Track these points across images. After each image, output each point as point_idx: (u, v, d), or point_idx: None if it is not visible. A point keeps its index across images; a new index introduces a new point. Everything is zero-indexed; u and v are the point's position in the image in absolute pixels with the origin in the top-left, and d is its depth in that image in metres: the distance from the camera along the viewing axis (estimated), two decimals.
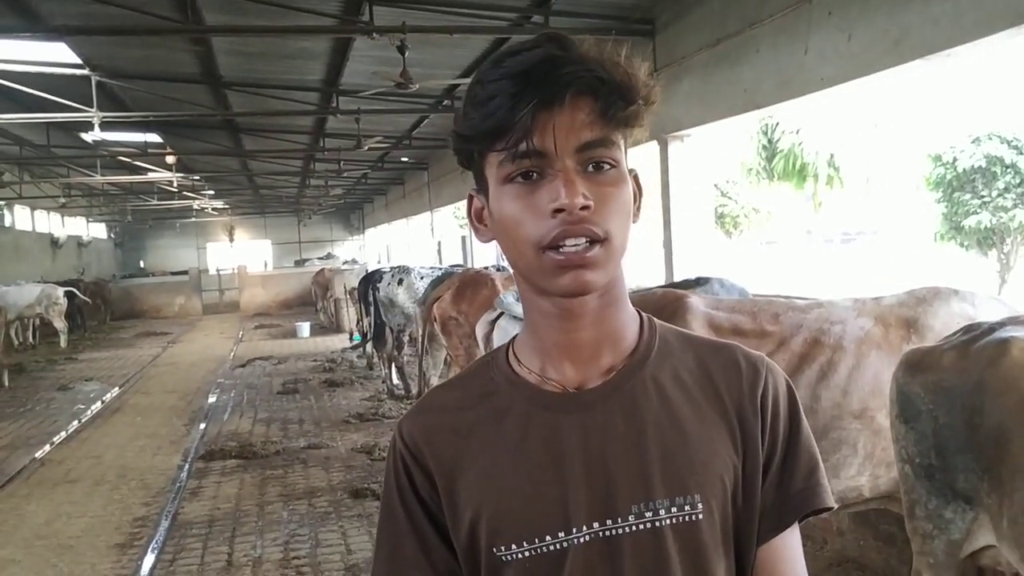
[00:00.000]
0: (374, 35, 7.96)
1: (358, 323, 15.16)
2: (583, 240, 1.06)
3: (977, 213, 15.34)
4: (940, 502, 2.62)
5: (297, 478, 7.62)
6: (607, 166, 1.09)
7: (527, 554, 1.11)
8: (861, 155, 16.96)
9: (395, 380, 11.44)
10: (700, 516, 1.12)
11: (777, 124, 16.31)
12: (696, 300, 3.82)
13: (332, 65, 11.15)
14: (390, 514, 1.20)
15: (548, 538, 1.11)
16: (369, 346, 13.18)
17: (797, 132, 16.76)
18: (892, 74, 5.75)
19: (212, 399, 12.02)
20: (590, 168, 1.07)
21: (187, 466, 8.23)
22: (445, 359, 8.70)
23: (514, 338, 1.25)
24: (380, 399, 11.05)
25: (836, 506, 1.26)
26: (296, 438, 9.15)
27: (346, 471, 7.70)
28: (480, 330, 5.37)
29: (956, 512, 2.58)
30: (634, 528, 1.11)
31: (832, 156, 16.74)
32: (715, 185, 19.45)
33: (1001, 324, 2.67)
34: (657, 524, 1.11)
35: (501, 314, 5.24)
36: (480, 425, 1.18)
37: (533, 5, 8.26)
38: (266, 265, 37.68)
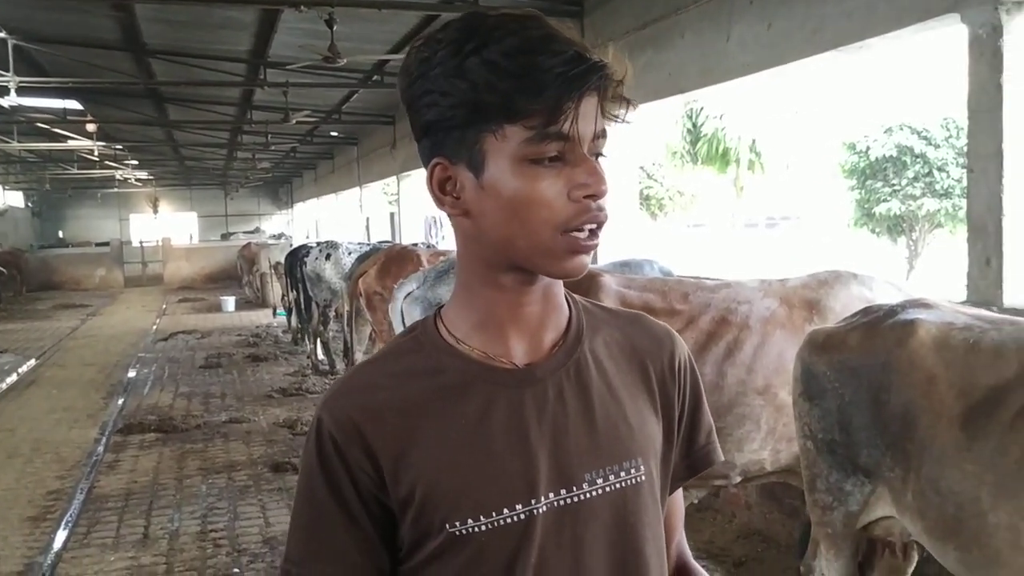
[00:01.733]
0: (301, 7, 7.89)
1: (283, 298, 15.05)
2: (595, 225, 1.11)
3: (888, 201, 15.82)
4: (840, 476, 2.75)
5: (217, 452, 7.59)
6: (601, 155, 1.14)
7: (486, 527, 1.12)
8: (782, 141, 17.35)
9: (320, 355, 11.41)
10: (643, 478, 1.21)
11: (702, 109, 16.58)
12: (608, 278, 3.93)
13: (260, 36, 10.99)
14: (311, 499, 1.17)
15: (506, 511, 1.13)
16: (294, 321, 13.12)
17: (720, 117, 17.06)
18: (809, 63, 5.93)
19: (132, 373, 11.85)
20: (593, 156, 1.11)
21: (104, 440, 8.14)
22: (370, 335, 8.71)
23: (437, 314, 1.24)
24: (304, 374, 11.03)
25: (724, 459, 1.38)
26: (218, 412, 9.10)
27: (267, 445, 7.70)
28: (393, 310, 5.38)
29: (855, 485, 2.71)
30: (589, 495, 1.16)
31: (754, 141, 17.09)
32: (641, 167, 19.70)
33: (902, 306, 2.79)
34: (608, 489, 1.18)
35: (408, 295, 5.23)
36: (429, 402, 1.16)
37: None
38: (191, 238, 36.97)
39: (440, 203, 1.16)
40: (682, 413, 1.30)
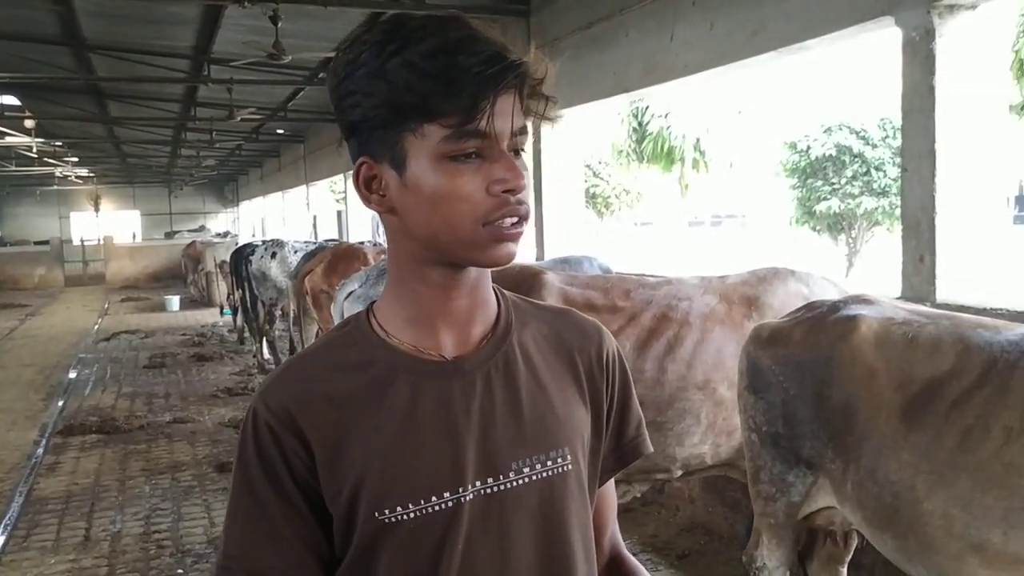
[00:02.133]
0: (245, 3, 7.83)
1: (229, 296, 14.89)
2: (517, 217, 1.14)
3: (828, 199, 16.14)
4: (783, 467, 2.81)
5: (161, 453, 7.50)
6: (521, 151, 1.17)
7: (414, 515, 1.15)
8: (726, 140, 17.60)
9: (266, 354, 11.31)
10: (569, 467, 1.24)
11: (647, 107, 16.75)
12: (551, 276, 3.97)
13: (203, 32, 10.87)
14: (248, 489, 1.17)
15: (434, 498, 1.16)
16: (240, 320, 12.99)
17: (665, 116, 17.25)
18: (751, 63, 6.03)
19: (73, 374, 11.63)
20: (512, 152, 1.14)
21: (44, 441, 7.99)
22: (316, 333, 8.66)
23: (369, 309, 1.27)
24: (250, 373, 10.91)
25: (652, 451, 1.42)
26: (161, 412, 8.98)
27: (212, 445, 7.62)
28: (335, 311, 5.37)
29: (798, 476, 2.78)
30: (515, 483, 1.20)
31: (698, 140, 17.31)
32: (587, 166, 19.83)
33: (844, 302, 2.87)
34: (535, 478, 1.21)
35: (350, 294, 5.24)
36: (361, 394, 1.19)
37: None
38: (134, 236, 36.37)
39: (367, 201, 1.19)
40: (611, 406, 1.34)
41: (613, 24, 7.13)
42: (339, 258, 7.00)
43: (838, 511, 2.72)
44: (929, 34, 4.29)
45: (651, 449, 1.41)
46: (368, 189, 1.18)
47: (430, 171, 1.12)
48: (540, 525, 1.22)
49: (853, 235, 16.63)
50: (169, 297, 19.89)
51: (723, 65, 6.12)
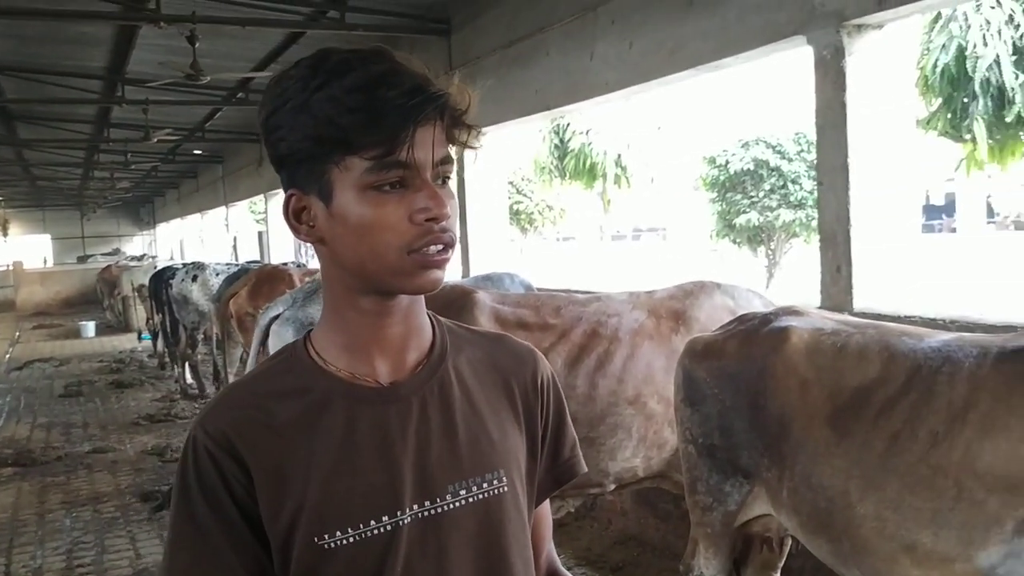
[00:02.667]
0: (162, 24, 7.71)
1: (147, 321, 14.56)
2: (442, 245, 1.17)
3: (747, 212, 16.54)
4: (720, 478, 2.86)
5: (81, 484, 7.28)
6: (448, 179, 1.20)
7: (352, 540, 1.17)
8: (646, 156, 17.92)
9: (188, 379, 11.09)
10: (505, 489, 1.27)
11: (568, 124, 16.98)
12: (483, 295, 3.99)
13: (117, 52, 10.64)
14: (190, 515, 1.17)
15: (372, 522, 1.18)
16: (160, 345, 12.71)
17: (587, 133, 17.47)
18: (669, 81, 6.15)
19: None
20: (438, 181, 1.17)
21: None
22: (241, 356, 8.54)
23: (307, 337, 1.29)
24: (172, 399, 10.67)
25: (586, 471, 1.45)
26: (80, 443, 8.72)
27: (135, 474, 7.43)
28: (257, 335, 5.29)
29: (734, 486, 2.83)
30: (451, 506, 1.22)
31: (619, 156, 17.58)
32: (510, 183, 19.95)
33: (775, 314, 2.94)
34: (471, 500, 1.24)
35: (274, 319, 5.16)
36: (298, 420, 1.20)
37: (329, 0, 8.24)
38: (45, 261, 35.31)
39: (296, 232, 1.22)
40: (546, 428, 1.37)
41: (534, 43, 7.20)
42: (264, 280, 6.91)
43: (774, 518, 2.79)
44: (839, 52, 4.43)
45: (585, 469, 1.44)
46: (298, 220, 1.21)
47: (355, 202, 1.15)
48: (478, 547, 1.24)
49: (772, 247, 17.06)
50: (84, 323, 19.35)
51: (643, 83, 6.23)
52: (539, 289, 5.78)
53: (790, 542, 3.03)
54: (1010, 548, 2.14)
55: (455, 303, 3.82)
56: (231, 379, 8.86)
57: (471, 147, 1.22)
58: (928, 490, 2.25)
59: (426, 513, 1.21)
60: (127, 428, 9.29)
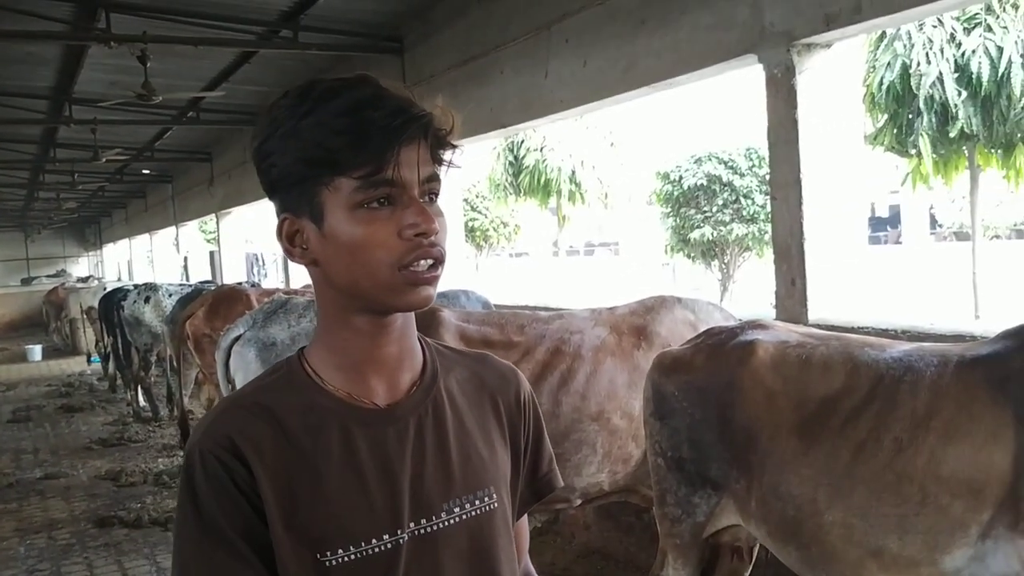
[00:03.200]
0: (112, 44, 7.63)
1: (97, 344, 14.33)
2: (431, 260, 1.20)
3: (701, 227, 16.78)
4: (689, 490, 2.90)
5: (34, 511, 7.13)
6: (436, 197, 1.24)
7: (354, 557, 1.20)
8: (600, 172, 18.07)
9: (142, 402, 10.93)
10: (495, 505, 1.32)
11: (522, 142, 17.07)
12: (448, 313, 4.02)
13: (64, 72, 10.48)
14: (204, 525, 1.17)
15: (374, 540, 1.21)
16: (111, 367, 12.51)
17: (541, 150, 17.61)
18: (623, 99, 6.24)
19: None
20: (425, 198, 1.21)
21: None
22: (196, 378, 8.44)
23: (301, 354, 1.31)
24: (125, 422, 10.50)
25: (563, 484, 1.51)
26: (31, 469, 8.55)
27: (90, 500, 7.29)
28: (220, 357, 5.25)
29: (702, 498, 2.88)
30: (446, 523, 1.26)
31: (574, 172, 17.72)
32: (465, 200, 19.99)
33: (742, 328, 3.00)
34: (464, 517, 1.28)
35: (237, 338, 5.13)
36: (303, 435, 1.22)
37: (282, 19, 8.21)
38: None
39: (290, 254, 1.26)
40: (527, 444, 1.42)
41: (489, 61, 7.25)
42: (221, 301, 6.85)
43: (743, 528, 2.84)
44: (790, 71, 4.54)
45: (562, 483, 1.50)
46: (291, 243, 1.25)
47: (345, 221, 1.18)
48: (471, 562, 1.28)
49: (726, 261, 17.31)
50: (30, 346, 18.96)
51: (597, 100, 6.30)
52: (496, 305, 5.82)
53: (757, 551, 3.09)
54: (974, 551, 2.21)
55: (420, 321, 3.79)
56: (185, 401, 8.76)
57: (454, 166, 1.25)
58: (894, 496, 2.32)
59: (422, 531, 1.25)
60: (79, 453, 9.13)
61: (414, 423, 1.27)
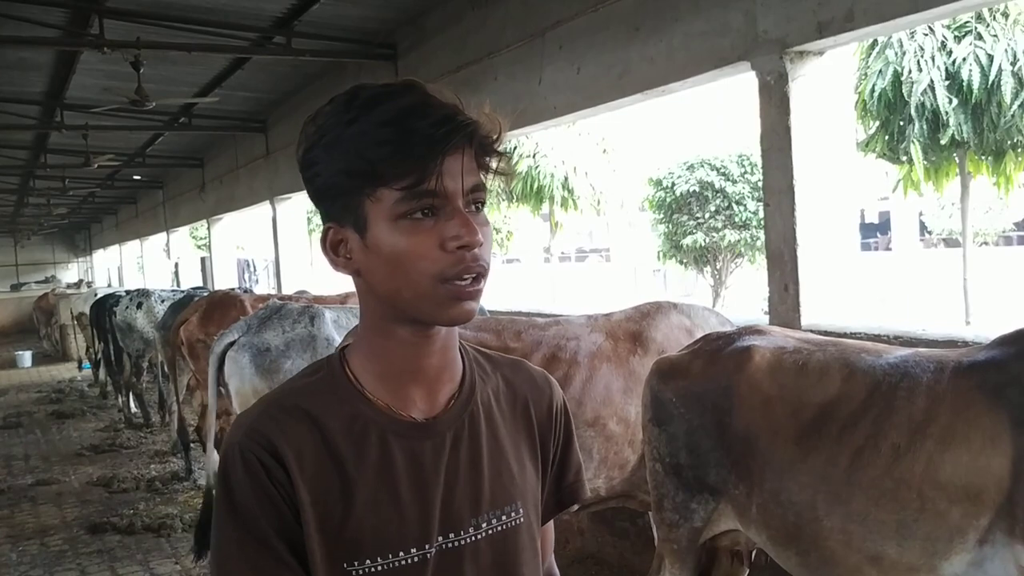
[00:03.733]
0: (105, 49, 7.62)
1: (88, 350, 14.29)
2: (475, 274, 1.19)
3: (693, 233, 16.83)
4: (687, 496, 2.91)
5: (26, 517, 7.12)
6: (481, 207, 1.22)
7: (382, 568, 1.20)
8: (593, 178, 18.08)
9: (133, 408, 10.90)
10: (521, 520, 1.31)
11: (515, 148, 17.06)
12: None
13: (56, 77, 10.46)
14: (242, 524, 1.17)
15: (402, 553, 1.21)
16: (103, 373, 12.48)
17: (534, 156, 17.62)
18: (617, 105, 6.26)
19: None
20: (471, 208, 1.19)
21: None
22: (188, 383, 8.42)
23: (342, 354, 1.30)
24: (117, 429, 10.49)
25: (588, 495, 1.52)
26: (22, 475, 8.53)
27: (82, 506, 7.28)
28: (212, 362, 5.25)
29: (700, 503, 2.88)
30: (472, 539, 1.26)
31: (566, 179, 17.74)
32: None
33: (739, 334, 3.01)
34: (491, 532, 1.28)
35: (230, 344, 5.13)
36: (343, 442, 1.22)
37: (275, 26, 8.22)
38: None
39: (335, 264, 1.25)
40: (555, 454, 1.42)
41: (482, 67, 7.26)
42: (215, 306, 6.83)
43: (742, 532, 2.86)
44: (783, 78, 4.56)
45: (588, 494, 1.51)
46: (335, 253, 1.24)
47: (388, 232, 1.17)
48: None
49: (718, 267, 17.36)
50: (20, 352, 18.88)
51: (591, 107, 6.31)
52: (489, 310, 5.83)
53: (754, 554, 3.11)
54: (972, 557, 2.22)
55: None
56: (175, 407, 8.74)
57: (501, 174, 1.23)
58: (892, 502, 2.33)
59: (450, 544, 1.25)
60: (71, 459, 9.11)
61: (451, 438, 1.27)
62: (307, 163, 1.21)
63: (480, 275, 1.20)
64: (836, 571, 2.48)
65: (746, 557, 3.09)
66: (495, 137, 1.20)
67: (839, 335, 3.79)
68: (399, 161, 1.13)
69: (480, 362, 1.38)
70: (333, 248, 1.24)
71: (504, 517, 1.30)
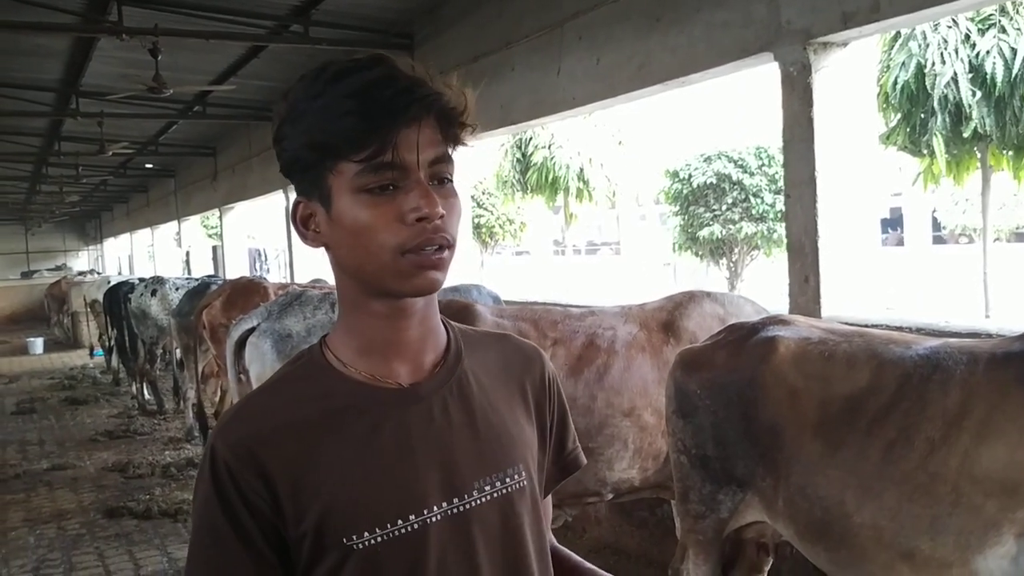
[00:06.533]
0: (124, 36, 7.63)
1: (101, 337, 14.34)
2: (436, 245, 1.18)
3: (710, 225, 16.78)
4: (713, 487, 2.89)
5: (42, 501, 7.15)
6: (447, 180, 1.21)
7: (380, 539, 1.19)
8: (608, 170, 18.03)
9: (147, 395, 10.94)
10: (524, 483, 1.31)
11: (531, 139, 17.04)
12: (483, 308, 4.06)
13: (72, 64, 10.48)
14: (210, 529, 1.19)
15: (400, 521, 1.20)
16: (115, 360, 12.52)
17: (549, 147, 17.57)
18: (636, 96, 6.23)
19: None
20: (434, 182, 1.19)
21: None
22: (203, 371, 8.44)
23: (324, 339, 1.31)
24: (130, 415, 10.52)
25: (586, 462, 1.52)
26: (37, 460, 8.57)
27: (98, 491, 7.30)
28: (230, 347, 5.26)
29: (727, 495, 2.86)
30: (478, 502, 1.25)
31: (582, 170, 17.68)
32: (472, 197, 19.98)
33: (763, 324, 2.97)
34: (495, 495, 1.27)
35: (251, 330, 5.14)
36: (321, 425, 1.22)
37: (293, 14, 8.22)
38: None
39: (304, 238, 1.26)
40: (552, 422, 1.42)
41: (499, 58, 7.24)
42: (239, 292, 6.84)
43: (768, 525, 2.84)
44: (806, 69, 4.53)
45: (585, 461, 1.51)
46: (305, 227, 1.25)
47: (350, 205, 1.18)
48: (503, 540, 1.28)
49: (734, 259, 17.32)
50: (32, 339, 18.95)
51: (610, 98, 6.29)
52: (505, 301, 5.83)
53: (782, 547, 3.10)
54: (1007, 550, 2.20)
55: (456, 316, 3.84)
56: (191, 394, 8.77)
57: (461, 144, 1.23)
58: (926, 497, 2.30)
59: (455, 510, 1.24)
60: (85, 445, 9.15)
61: (439, 402, 1.26)
62: (277, 138, 1.22)
63: (443, 246, 1.19)
64: (867, 567, 2.45)
65: (772, 550, 3.08)
66: (460, 110, 1.20)
67: (860, 327, 3.77)
68: (357, 134, 1.14)
69: (467, 334, 1.38)
70: (303, 223, 1.25)
71: (508, 480, 1.29)
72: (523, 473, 1.31)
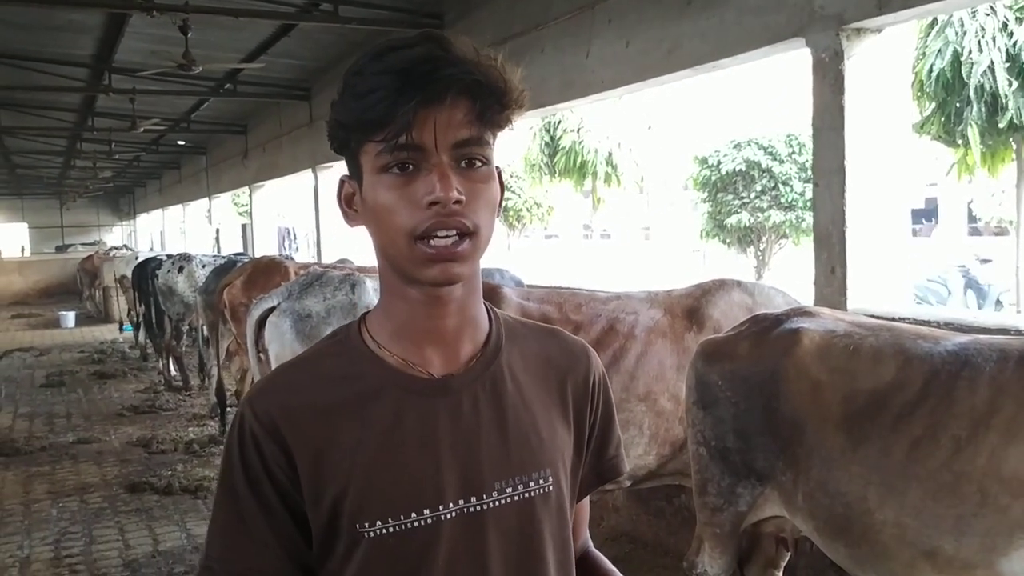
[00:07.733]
0: (154, 13, 7.64)
1: (129, 312, 14.47)
2: (454, 232, 1.13)
3: (738, 213, 16.64)
4: (733, 480, 2.84)
5: (67, 474, 7.21)
6: (479, 163, 1.16)
7: (391, 530, 1.17)
8: (637, 154, 17.92)
9: (173, 371, 11.02)
10: (550, 488, 1.26)
11: (559, 122, 16.93)
12: (509, 291, 4.04)
13: (105, 41, 10.52)
14: (231, 493, 1.20)
15: (414, 515, 1.18)
16: (143, 336, 12.63)
17: (578, 131, 17.46)
18: (666, 80, 6.16)
19: None
20: (463, 164, 1.14)
21: None
22: (228, 348, 8.48)
23: (364, 317, 1.29)
24: (156, 391, 10.60)
25: (628, 470, 1.47)
26: (64, 433, 8.65)
27: (121, 465, 7.37)
28: (250, 325, 5.25)
29: (746, 488, 2.82)
30: (496, 503, 1.22)
31: (610, 155, 17.57)
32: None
33: (787, 315, 2.92)
34: (516, 498, 1.23)
35: (271, 309, 5.13)
36: (346, 406, 1.20)
37: None
38: (23, 250, 34.96)
39: (346, 216, 1.25)
40: (593, 426, 1.36)
41: (529, 40, 7.18)
42: (260, 271, 6.86)
43: (788, 519, 2.79)
44: (838, 55, 4.44)
45: (627, 468, 1.46)
46: (348, 205, 1.24)
47: (373, 186, 1.16)
48: (519, 544, 1.24)
49: (761, 247, 17.18)
50: (64, 313, 19.15)
51: (639, 82, 6.22)
52: (528, 285, 5.80)
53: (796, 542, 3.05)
54: None
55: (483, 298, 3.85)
56: (214, 371, 8.82)
57: (498, 126, 1.18)
58: (951, 496, 2.25)
59: (471, 509, 1.21)
60: (111, 419, 9.22)
61: (469, 397, 1.23)
62: (330, 116, 1.20)
63: (462, 233, 1.14)
64: (888, 565, 2.40)
65: (791, 545, 3.03)
66: (499, 90, 1.15)
67: (886, 320, 3.70)
68: (378, 113, 1.11)
69: (511, 325, 1.33)
70: (347, 201, 1.24)
71: (532, 484, 1.25)
72: (549, 479, 1.26)
